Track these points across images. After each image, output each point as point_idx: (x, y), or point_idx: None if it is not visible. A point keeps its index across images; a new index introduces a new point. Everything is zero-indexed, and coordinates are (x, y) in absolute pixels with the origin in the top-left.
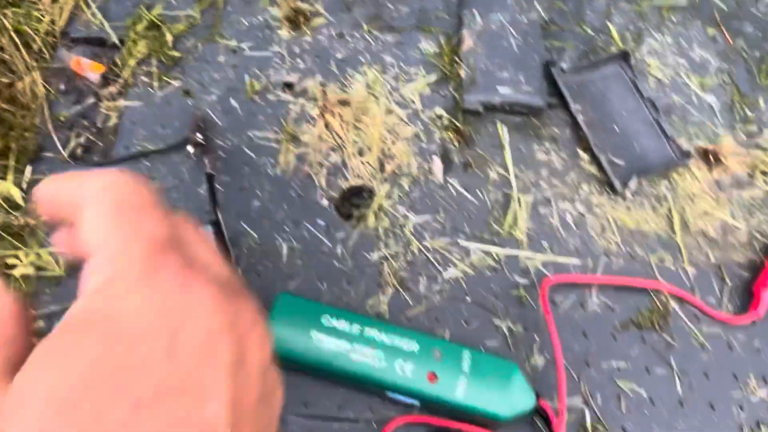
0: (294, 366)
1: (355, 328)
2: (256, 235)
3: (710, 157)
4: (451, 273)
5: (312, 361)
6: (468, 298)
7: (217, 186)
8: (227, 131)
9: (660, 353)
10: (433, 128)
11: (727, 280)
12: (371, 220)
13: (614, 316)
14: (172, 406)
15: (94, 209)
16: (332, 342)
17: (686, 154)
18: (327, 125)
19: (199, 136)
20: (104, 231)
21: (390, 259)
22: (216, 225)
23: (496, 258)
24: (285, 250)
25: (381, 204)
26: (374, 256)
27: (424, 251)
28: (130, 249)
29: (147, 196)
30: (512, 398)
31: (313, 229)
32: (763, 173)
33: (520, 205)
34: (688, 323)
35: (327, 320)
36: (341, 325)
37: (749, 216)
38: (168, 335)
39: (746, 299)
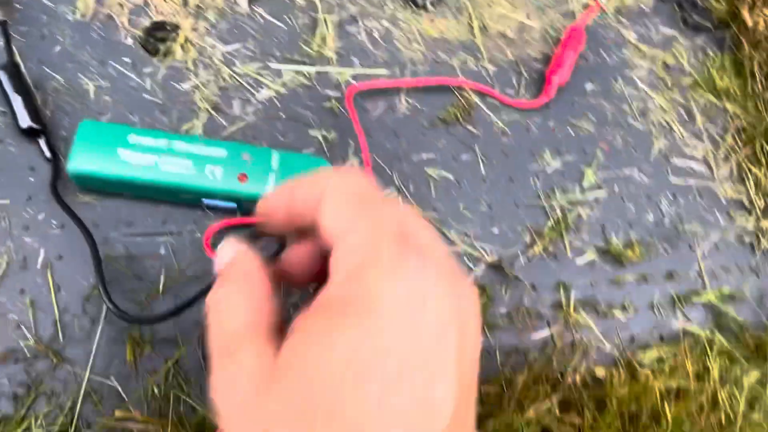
0: (106, 187)
1: (162, 143)
2: (61, 78)
3: None
4: (264, 94)
5: (122, 178)
6: (282, 114)
7: (16, 36)
8: None
9: (465, 142)
10: None
11: (524, 73)
12: (179, 53)
13: (422, 115)
14: (410, 386)
15: (335, 200)
16: (140, 157)
17: None
18: None
19: None
20: (351, 219)
21: (201, 87)
22: (14, 67)
23: (308, 76)
24: (92, 88)
25: (187, 37)
26: (185, 86)
27: (236, 77)
28: (377, 238)
29: (378, 189)
30: None
31: (119, 67)
32: None
33: (327, 26)
34: (490, 114)
35: (133, 138)
36: (148, 141)
37: (543, 15)
38: (411, 321)
39: (541, 87)
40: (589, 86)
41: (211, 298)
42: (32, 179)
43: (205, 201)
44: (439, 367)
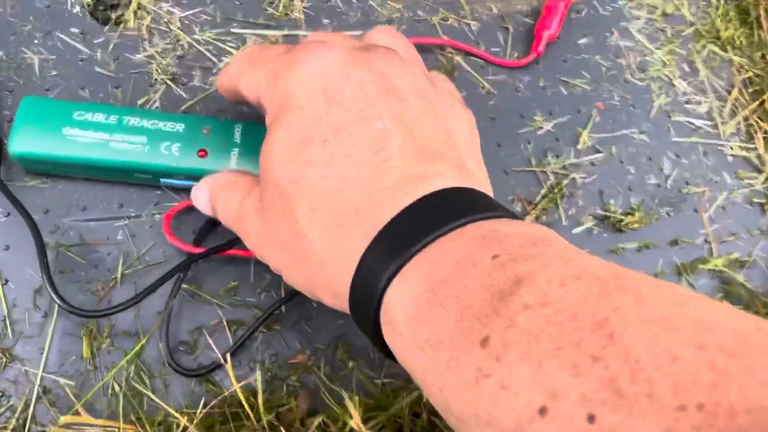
0: (53, 168)
1: (113, 119)
2: (1, 52)
3: None
4: (226, 62)
5: (68, 159)
6: None
7: None
8: None
9: None
10: None
11: (511, 29)
12: (131, 21)
13: None
14: (347, 133)
15: (241, 72)
16: (88, 135)
17: None
18: None
19: None
20: (253, 74)
21: (158, 56)
22: None
23: (274, 41)
24: (37, 62)
25: (140, 2)
26: (140, 56)
27: (195, 44)
28: (274, 64)
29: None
30: None
31: (66, 38)
32: None
33: None
34: (474, 74)
35: (79, 115)
36: (96, 117)
37: None
38: (324, 95)
39: (529, 43)
40: (582, 41)
41: (218, 203)
42: None
43: (163, 181)
44: (369, 113)
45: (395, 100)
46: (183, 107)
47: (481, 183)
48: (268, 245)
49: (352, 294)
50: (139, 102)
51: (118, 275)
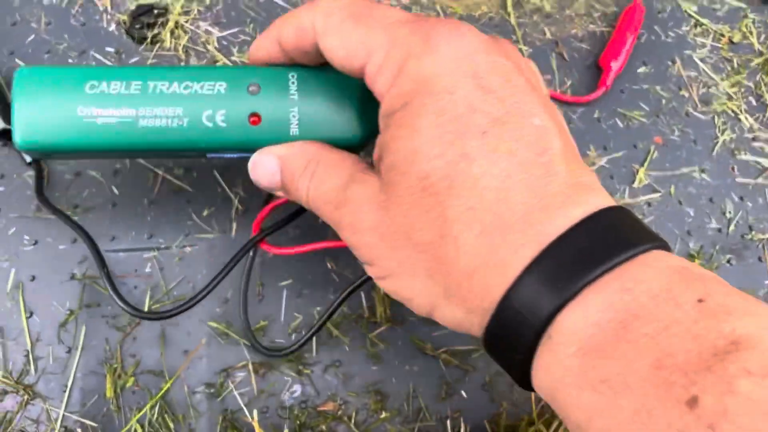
0: (69, 156)
1: (135, 87)
2: None
3: None
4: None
5: (89, 146)
6: None
7: None
8: None
9: None
10: None
11: (565, 55)
12: (168, 40)
13: None
14: (508, 127)
15: (334, 22)
16: (109, 113)
17: None
18: None
19: None
20: (361, 36)
21: None
22: None
23: None
24: None
25: (178, 21)
26: None
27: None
28: (396, 36)
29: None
30: (363, 113)
31: (101, 57)
32: None
33: None
34: None
35: (93, 88)
36: (116, 88)
37: None
38: (474, 81)
39: (585, 71)
40: (641, 69)
41: (300, 180)
42: (2, 189)
43: (210, 155)
44: (524, 107)
45: (538, 97)
46: None
47: None
48: (389, 244)
49: (502, 311)
50: None
51: (145, 310)
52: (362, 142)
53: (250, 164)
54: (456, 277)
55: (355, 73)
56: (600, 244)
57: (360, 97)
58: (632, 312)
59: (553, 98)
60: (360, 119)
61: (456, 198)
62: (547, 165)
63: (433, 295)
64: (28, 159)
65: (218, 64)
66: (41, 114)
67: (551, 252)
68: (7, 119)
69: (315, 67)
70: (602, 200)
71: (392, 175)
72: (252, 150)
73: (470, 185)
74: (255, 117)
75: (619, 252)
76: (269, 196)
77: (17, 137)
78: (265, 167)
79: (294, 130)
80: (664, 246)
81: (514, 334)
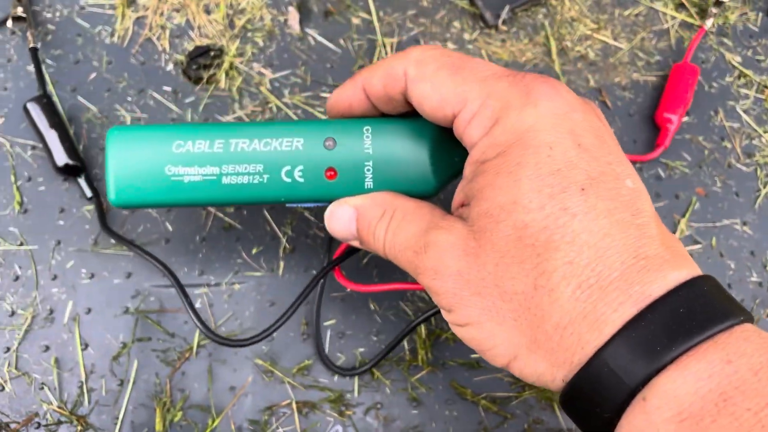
0: (157, 207)
1: (218, 145)
2: (95, 108)
3: None
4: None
5: (177, 203)
6: None
7: (48, 61)
8: (55, 1)
9: None
10: None
11: (608, 103)
12: (223, 81)
13: None
14: (606, 186)
15: (427, 69)
16: (195, 171)
17: None
18: None
19: (20, 10)
20: (456, 85)
21: (246, 119)
22: (47, 99)
23: None
24: (129, 120)
25: (232, 63)
26: (228, 118)
27: (284, 107)
28: (494, 86)
29: (451, 53)
30: (437, 163)
31: (159, 96)
32: None
33: (385, 50)
34: None
35: (180, 147)
36: (200, 147)
37: (632, 35)
38: (572, 138)
39: (629, 121)
40: (684, 119)
41: (377, 228)
42: (62, 222)
43: (290, 205)
44: (616, 167)
45: (626, 159)
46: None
47: None
48: (473, 290)
49: (593, 367)
50: None
51: (194, 346)
52: (436, 191)
53: (326, 215)
54: (546, 329)
55: (443, 121)
56: (699, 310)
57: (434, 147)
58: (734, 385)
59: None
60: (434, 168)
61: (555, 251)
62: (642, 227)
63: (515, 346)
64: (89, 193)
65: (271, 105)
66: (132, 173)
67: (650, 313)
68: (73, 155)
69: (389, 119)
70: (694, 268)
71: (485, 222)
72: (329, 201)
73: (570, 240)
74: (331, 172)
75: (717, 321)
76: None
77: (111, 195)
78: (340, 218)
79: (369, 183)
80: (752, 318)
81: (603, 391)
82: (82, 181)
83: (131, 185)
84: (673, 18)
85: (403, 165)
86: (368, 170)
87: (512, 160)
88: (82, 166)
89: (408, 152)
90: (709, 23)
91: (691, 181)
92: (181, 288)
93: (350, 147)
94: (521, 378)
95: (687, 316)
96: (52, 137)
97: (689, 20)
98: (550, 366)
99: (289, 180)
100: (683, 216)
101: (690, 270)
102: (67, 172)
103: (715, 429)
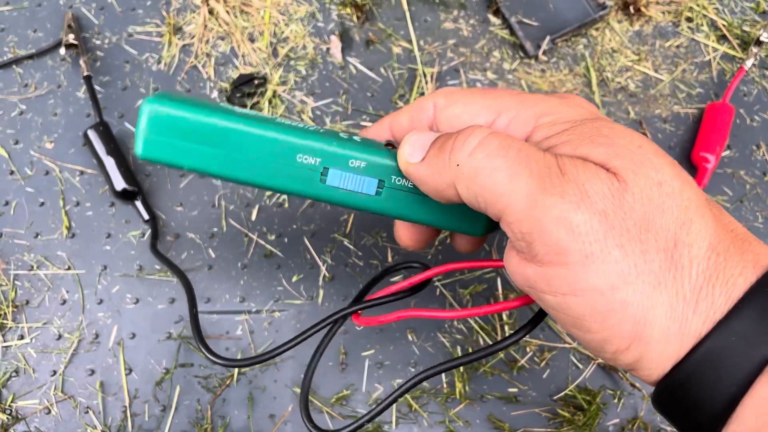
0: (181, 154)
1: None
2: None
3: (630, 8)
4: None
5: (221, 127)
6: None
7: (97, 87)
8: (105, 28)
9: None
10: (330, 5)
11: (649, 135)
12: (266, 108)
13: None
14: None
15: (455, 99)
16: (246, 112)
17: (602, 6)
18: (212, 12)
19: (71, 37)
20: (488, 101)
21: None
22: (103, 126)
23: None
24: None
25: (275, 91)
26: None
27: None
28: (528, 97)
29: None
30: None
31: None
32: (688, 20)
33: (426, 79)
34: None
35: (229, 110)
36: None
37: (673, 67)
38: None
39: (670, 154)
40: (725, 153)
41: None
42: (108, 248)
43: (331, 180)
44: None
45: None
46: (307, 201)
47: None
48: (618, 243)
49: (719, 336)
50: (268, 193)
51: (235, 373)
52: (483, 233)
53: (406, 146)
54: (685, 292)
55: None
56: None
57: None
58: None
59: None
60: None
61: (689, 204)
62: (720, 214)
63: (634, 337)
64: (146, 216)
65: None
66: (176, 99)
67: (752, 299)
68: (129, 180)
69: None
70: None
71: (622, 162)
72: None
73: (696, 200)
74: (390, 145)
75: None
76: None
77: (149, 108)
78: (414, 145)
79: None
80: None
81: (730, 362)
82: (139, 204)
83: (172, 100)
84: (715, 50)
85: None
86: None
87: (615, 126)
88: (139, 190)
89: None
90: (749, 63)
91: (732, 216)
92: (194, 309)
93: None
94: (625, 368)
95: None
96: (110, 163)
97: (731, 52)
98: (660, 355)
99: (345, 136)
100: None
101: None
102: (125, 197)
103: None
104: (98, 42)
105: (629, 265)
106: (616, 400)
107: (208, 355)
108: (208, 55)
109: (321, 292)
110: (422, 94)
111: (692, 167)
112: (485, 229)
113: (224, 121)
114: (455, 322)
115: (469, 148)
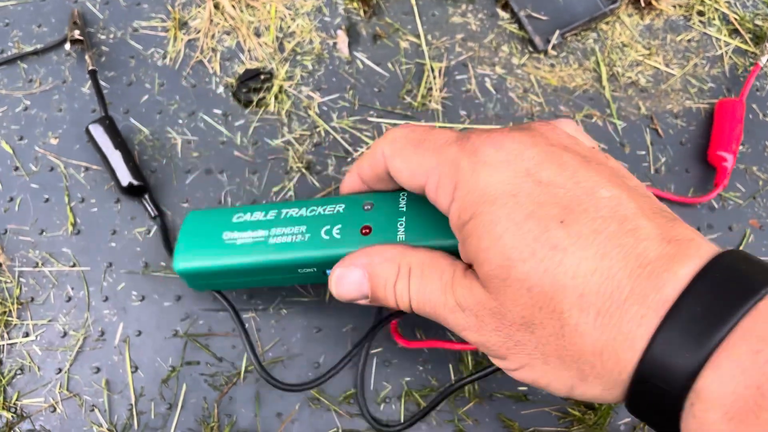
0: (218, 283)
1: (272, 214)
2: (147, 131)
3: (641, 2)
4: (361, 152)
5: (228, 267)
6: None
7: (102, 83)
8: (109, 23)
9: None
10: None
11: (660, 131)
12: (272, 104)
13: None
14: (581, 209)
15: (397, 152)
16: (247, 235)
17: (613, 0)
18: (217, 6)
19: (76, 33)
20: (419, 159)
21: (295, 143)
22: (109, 120)
23: None
24: (180, 143)
25: (282, 86)
26: (277, 141)
27: (332, 132)
28: (447, 153)
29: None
30: None
31: (209, 119)
32: (700, 13)
33: (433, 74)
34: None
35: (239, 217)
36: (256, 216)
37: (684, 61)
38: (530, 178)
39: (680, 149)
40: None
41: (397, 287)
42: (113, 244)
43: (329, 272)
44: (581, 179)
45: (596, 166)
46: (317, 196)
47: None
48: (514, 340)
49: (638, 382)
50: (274, 189)
51: (242, 371)
52: None
53: (331, 279)
54: (587, 359)
55: (419, 191)
56: (716, 301)
57: None
58: (766, 375)
59: (671, 201)
60: None
61: (563, 290)
62: (634, 232)
63: (568, 378)
64: (153, 212)
65: (319, 129)
66: (195, 242)
67: (671, 319)
68: (135, 175)
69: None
70: (705, 250)
71: (494, 284)
72: None
73: (572, 274)
74: (366, 228)
75: (738, 305)
76: None
77: (176, 263)
78: (351, 282)
79: (401, 236)
80: None
81: (656, 402)
82: (146, 200)
83: (192, 251)
84: (727, 44)
85: (434, 221)
86: (401, 225)
87: (486, 220)
88: (145, 186)
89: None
90: (764, 60)
91: (745, 213)
92: (242, 324)
93: (386, 207)
94: (587, 401)
95: (706, 310)
96: (116, 158)
97: (743, 47)
98: (605, 389)
99: (327, 237)
100: (737, 248)
101: (700, 254)
102: (131, 192)
103: (760, 425)
104: (103, 37)
105: (531, 349)
106: None
107: (273, 382)
108: (214, 50)
109: (329, 290)
110: (430, 89)
111: (709, 167)
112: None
113: (235, 260)
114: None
115: (404, 294)
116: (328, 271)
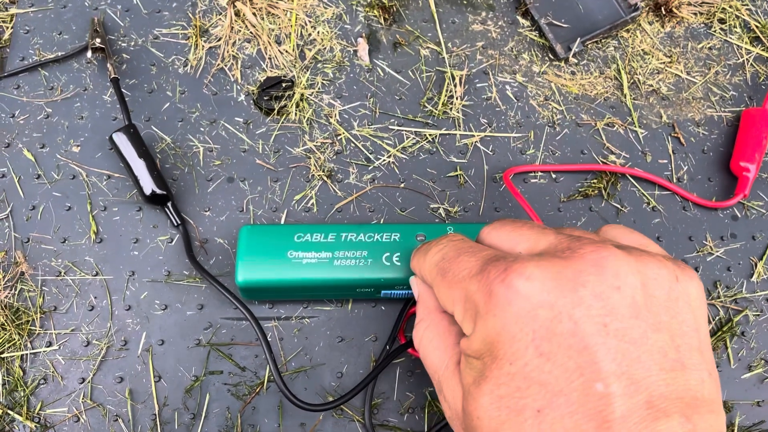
0: (276, 295)
1: (331, 237)
2: (168, 138)
3: (662, 9)
4: (382, 160)
5: (296, 282)
6: (402, 183)
7: (124, 90)
8: (130, 31)
9: (609, 220)
10: (357, 7)
11: (681, 139)
12: (293, 112)
13: (560, 187)
14: (565, 399)
15: (431, 279)
16: (312, 255)
17: (634, 8)
18: (238, 14)
19: (97, 41)
20: (446, 291)
21: (316, 151)
22: (132, 128)
23: (431, 139)
24: (201, 151)
25: (303, 94)
26: (299, 149)
27: (353, 140)
28: (468, 288)
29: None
30: None
31: (230, 127)
32: (721, 21)
33: (454, 82)
34: (638, 187)
35: (300, 237)
36: (316, 237)
37: (706, 69)
38: (533, 345)
39: (702, 158)
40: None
41: (415, 336)
42: (136, 253)
43: (384, 293)
44: (583, 363)
45: (614, 340)
46: (337, 204)
47: (713, 407)
48: None
49: None
50: (296, 198)
51: (265, 381)
52: None
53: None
54: None
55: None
56: None
57: None
58: None
59: (691, 201)
60: None
61: None
62: None
63: None
64: (176, 221)
65: (340, 137)
66: (259, 258)
67: None
68: (159, 184)
69: (470, 224)
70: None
71: (467, 421)
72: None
73: None
74: None
75: None
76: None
77: (239, 277)
78: (414, 288)
79: None
80: None
81: None
82: (169, 208)
83: (256, 266)
84: (749, 52)
85: None
86: None
87: (481, 376)
88: (169, 195)
89: None
90: None
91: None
92: (264, 337)
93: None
94: None
95: None
96: (139, 166)
97: (765, 54)
98: None
99: (388, 264)
100: (761, 258)
101: None
102: (154, 201)
103: None
104: (124, 44)
105: None
106: None
107: (295, 401)
108: (235, 58)
109: (350, 299)
110: (451, 97)
111: (732, 176)
112: None
113: (303, 277)
114: None
115: (418, 334)
116: (383, 291)
